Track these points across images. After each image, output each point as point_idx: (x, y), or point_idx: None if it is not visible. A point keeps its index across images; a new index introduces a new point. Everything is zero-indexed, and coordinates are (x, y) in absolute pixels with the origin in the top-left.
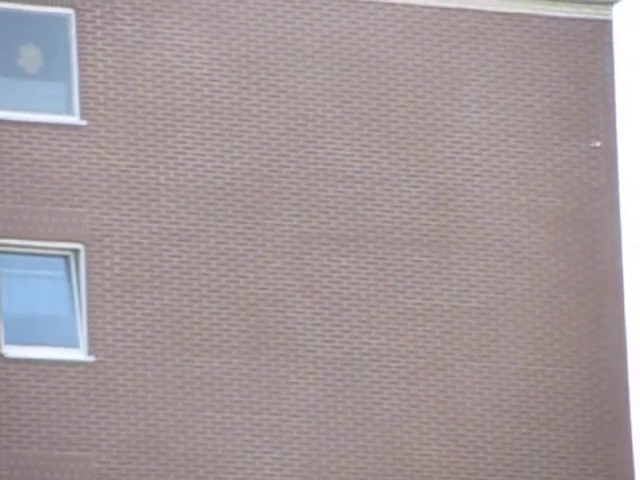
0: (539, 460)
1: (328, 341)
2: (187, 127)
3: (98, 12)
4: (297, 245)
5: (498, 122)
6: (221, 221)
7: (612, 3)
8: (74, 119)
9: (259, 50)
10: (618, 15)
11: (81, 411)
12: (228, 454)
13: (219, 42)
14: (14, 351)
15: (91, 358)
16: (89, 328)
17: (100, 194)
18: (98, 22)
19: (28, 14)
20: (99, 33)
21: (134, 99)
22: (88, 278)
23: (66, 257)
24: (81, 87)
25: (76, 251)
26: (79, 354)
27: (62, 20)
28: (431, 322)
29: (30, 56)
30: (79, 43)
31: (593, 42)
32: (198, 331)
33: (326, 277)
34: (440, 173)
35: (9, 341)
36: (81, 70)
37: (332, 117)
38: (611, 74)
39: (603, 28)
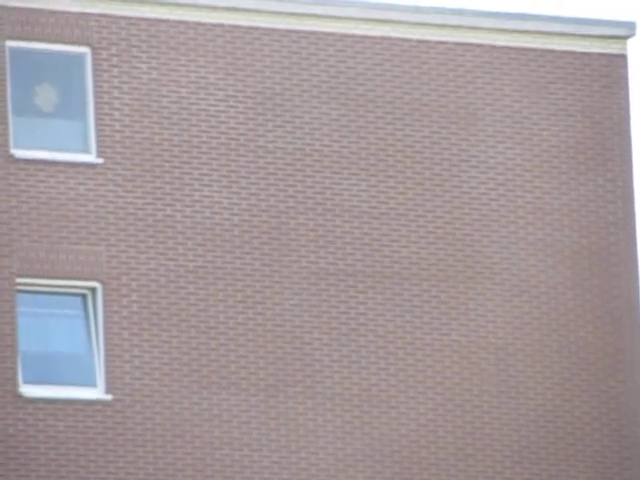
0: None
1: (346, 377)
2: (203, 164)
3: (114, 50)
4: (314, 282)
5: (514, 157)
6: (238, 258)
7: (626, 37)
8: (90, 157)
9: (274, 87)
10: (633, 49)
11: (99, 450)
12: None
13: (234, 79)
14: (32, 390)
15: (109, 397)
16: (107, 366)
17: (117, 232)
18: (114, 60)
19: (44, 52)
20: (115, 71)
21: (150, 136)
22: (105, 316)
23: (83, 295)
24: (97, 125)
25: (93, 289)
26: (97, 393)
27: (78, 58)
28: (448, 358)
29: (46, 95)
30: (95, 81)
31: (608, 76)
32: (216, 368)
33: (343, 313)
34: (456, 208)
35: (27, 380)
36: (97, 108)
37: (348, 153)
38: (626, 108)
39: (618, 62)
